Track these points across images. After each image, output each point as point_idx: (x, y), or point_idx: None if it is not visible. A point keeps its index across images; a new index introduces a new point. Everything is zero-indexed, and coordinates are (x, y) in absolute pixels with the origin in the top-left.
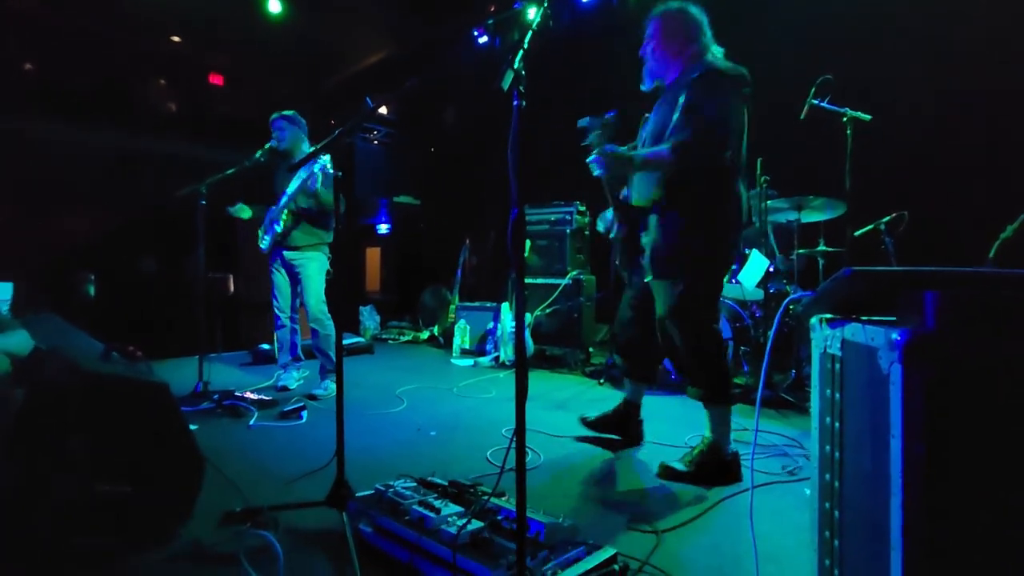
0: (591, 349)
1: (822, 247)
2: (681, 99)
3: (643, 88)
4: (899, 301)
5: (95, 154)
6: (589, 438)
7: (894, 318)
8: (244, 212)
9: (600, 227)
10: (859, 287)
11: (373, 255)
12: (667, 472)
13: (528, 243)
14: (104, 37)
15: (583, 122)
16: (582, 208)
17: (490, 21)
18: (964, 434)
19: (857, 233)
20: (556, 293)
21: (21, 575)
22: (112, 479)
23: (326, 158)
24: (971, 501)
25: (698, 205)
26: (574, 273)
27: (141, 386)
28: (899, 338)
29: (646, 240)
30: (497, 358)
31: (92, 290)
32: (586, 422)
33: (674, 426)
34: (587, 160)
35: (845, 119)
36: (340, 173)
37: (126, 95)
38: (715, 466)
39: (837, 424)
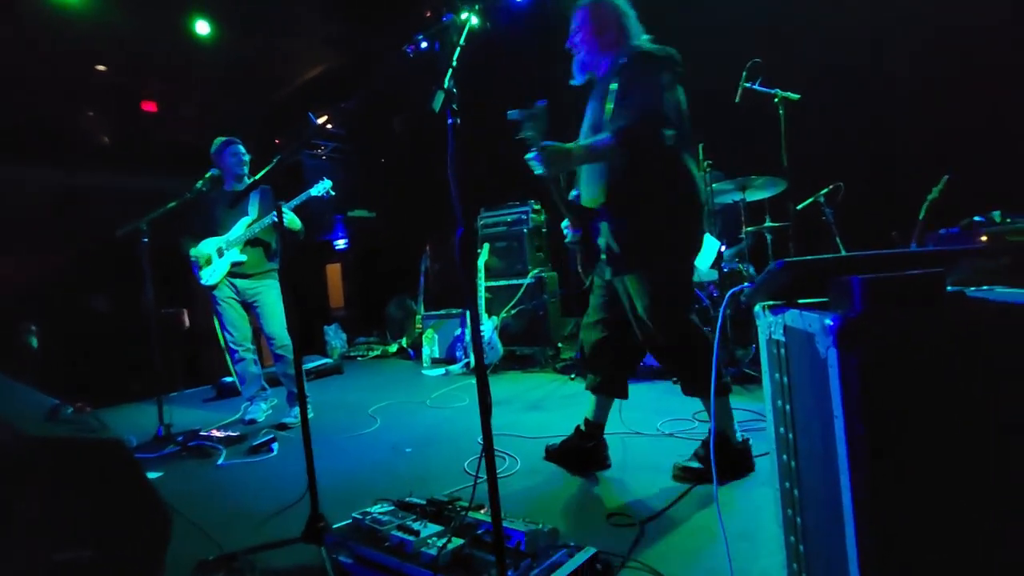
0: (560, 345)
1: (768, 223)
2: (613, 87)
3: (574, 83)
4: (829, 287)
5: (30, 193)
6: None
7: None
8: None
9: (567, 236)
10: (791, 277)
11: (334, 272)
12: (683, 472)
13: (487, 246)
14: (25, 70)
15: (513, 114)
16: (537, 206)
17: (419, 36)
18: (898, 411)
19: (799, 207)
20: (520, 293)
21: None
22: (70, 545)
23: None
24: (912, 473)
25: (648, 194)
26: (536, 272)
27: (92, 445)
28: (832, 323)
29: (601, 242)
30: (468, 364)
31: (35, 341)
32: (549, 454)
33: (646, 414)
34: (526, 158)
35: (776, 99)
36: (281, 202)
37: (57, 130)
38: (726, 458)
39: (788, 407)
